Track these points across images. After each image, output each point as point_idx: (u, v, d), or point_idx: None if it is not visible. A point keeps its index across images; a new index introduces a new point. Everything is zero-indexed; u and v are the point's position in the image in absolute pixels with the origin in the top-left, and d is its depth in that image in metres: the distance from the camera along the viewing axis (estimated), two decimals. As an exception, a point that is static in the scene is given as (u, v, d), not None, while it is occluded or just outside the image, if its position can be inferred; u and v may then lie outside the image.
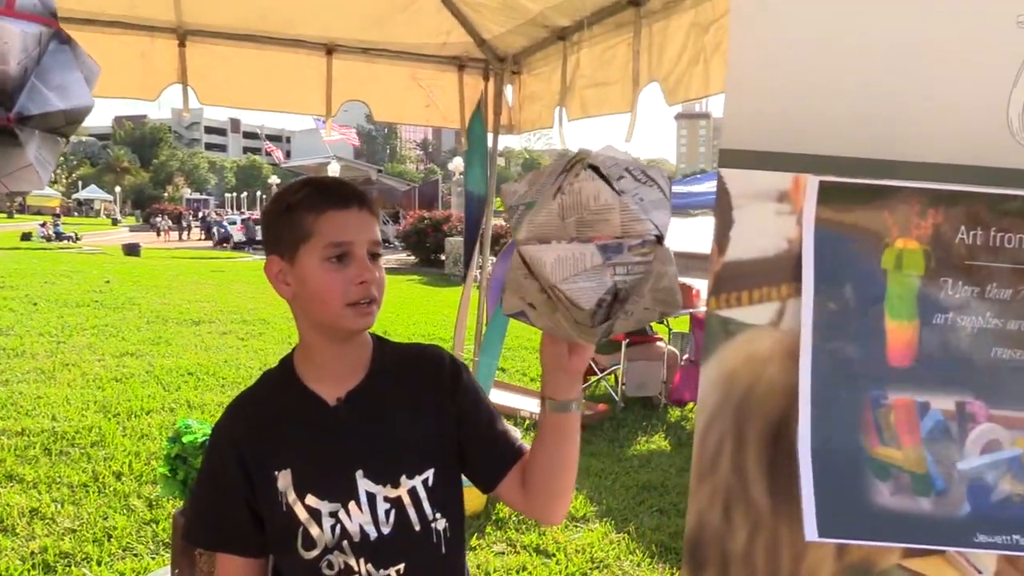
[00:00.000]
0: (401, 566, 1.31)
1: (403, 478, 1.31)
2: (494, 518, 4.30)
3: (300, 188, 1.33)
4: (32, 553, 3.73)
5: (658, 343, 7.21)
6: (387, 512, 1.30)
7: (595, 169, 0.99)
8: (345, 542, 1.29)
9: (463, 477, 1.42)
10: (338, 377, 1.35)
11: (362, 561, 1.29)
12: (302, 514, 1.30)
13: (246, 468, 1.33)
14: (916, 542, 1.23)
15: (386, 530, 1.30)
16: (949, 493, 1.23)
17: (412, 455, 1.34)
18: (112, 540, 3.91)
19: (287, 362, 1.40)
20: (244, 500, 1.33)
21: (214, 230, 39.96)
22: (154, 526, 4.07)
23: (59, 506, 4.29)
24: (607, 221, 0.99)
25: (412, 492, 1.32)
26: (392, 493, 1.31)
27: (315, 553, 1.30)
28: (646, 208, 1.00)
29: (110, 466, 4.92)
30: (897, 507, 1.22)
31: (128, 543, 3.89)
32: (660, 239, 1.01)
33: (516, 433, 1.41)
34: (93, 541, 3.89)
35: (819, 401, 1.22)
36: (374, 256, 1.30)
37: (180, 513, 2.56)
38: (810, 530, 1.21)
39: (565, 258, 1.00)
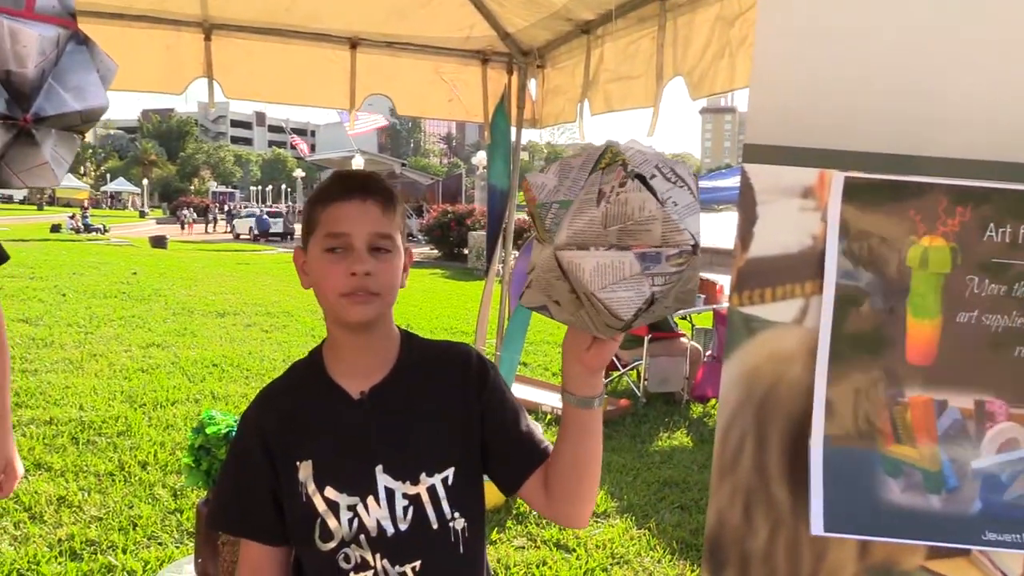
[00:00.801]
0: (417, 563, 1.30)
1: (423, 475, 1.31)
2: (514, 512, 4.31)
3: (325, 181, 1.35)
4: (59, 540, 3.79)
5: (681, 339, 7.18)
6: (405, 509, 1.30)
7: (641, 179, 0.98)
8: (362, 536, 1.29)
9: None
10: (363, 371, 1.34)
11: (378, 556, 1.29)
12: (320, 506, 1.30)
13: (271, 457, 1.34)
14: (922, 539, 1.23)
15: (403, 527, 1.29)
16: (961, 491, 1.22)
17: (433, 453, 1.33)
18: (137, 529, 3.96)
19: (316, 354, 1.40)
20: (268, 488, 1.34)
21: (234, 223, 40.36)
22: (178, 515, 4.12)
23: (86, 494, 4.35)
24: (649, 231, 0.98)
25: (431, 490, 1.31)
26: (411, 490, 1.30)
27: (332, 545, 1.30)
28: (681, 215, 0.99)
29: (136, 456, 4.98)
30: (906, 504, 1.22)
31: (153, 532, 3.94)
32: (696, 248, 1.00)
33: (541, 434, 1.39)
34: (119, 529, 3.94)
35: (834, 397, 1.22)
36: (377, 249, 1.27)
37: (204, 503, 2.59)
38: (816, 524, 1.22)
39: (604, 266, 0.98)
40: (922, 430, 1.22)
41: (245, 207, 53.97)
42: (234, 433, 2.50)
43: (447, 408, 1.35)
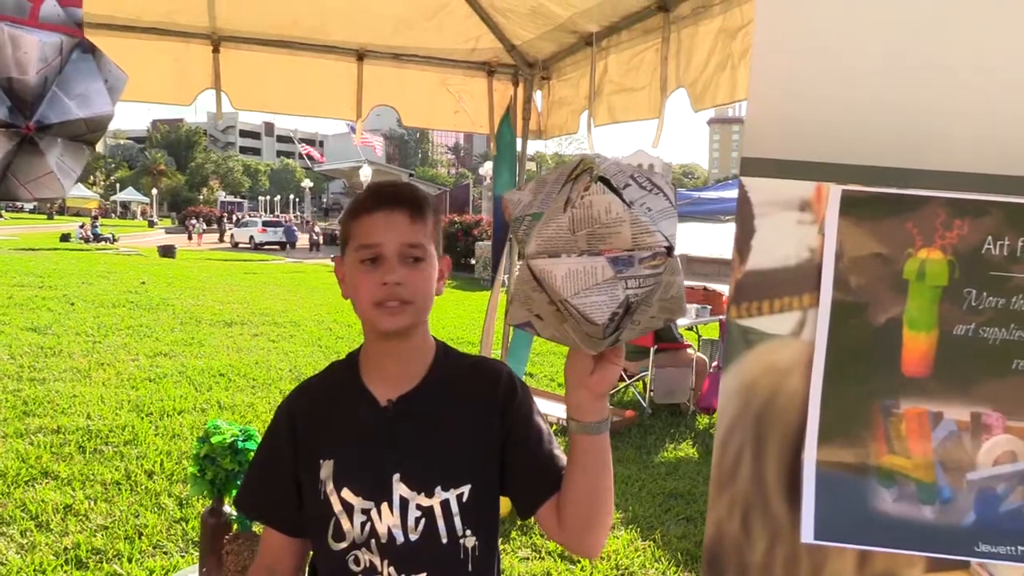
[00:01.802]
0: (424, 575, 1.31)
1: (438, 489, 1.31)
2: (519, 523, 4.30)
3: (360, 193, 1.38)
4: (65, 549, 3.80)
5: (687, 350, 7.17)
6: (417, 520, 1.31)
7: (605, 182, 0.98)
8: (373, 541, 1.31)
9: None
10: (393, 379, 1.36)
11: (386, 563, 1.30)
12: (336, 505, 1.32)
13: (296, 449, 1.36)
14: (915, 549, 1.23)
15: (413, 537, 1.30)
16: (955, 502, 1.22)
17: (451, 468, 1.33)
18: (143, 538, 3.97)
19: (353, 357, 1.43)
20: (292, 479, 1.36)
21: (233, 231, 40.57)
22: (184, 525, 4.13)
23: (92, 503, 4.37)
24: (618, 234, 0.97)
25: (444, 504, 1.31)
26: (425, 502, 1.31)
27: (343, 546, 1.32)
28: (654, 218, 0.99)
29: (142, 465, 5.00)
30: (898, 514, 1.23)
31: (158, 541, 3.95)
32: (670, 250, 0.99)
33: (564, 460, 1.36)
34: (124, 538, 3.95)
35: (828, 408, 1.23)
36: (408, 258, 1.29)
37: (209, 513, 2.60)
38: (806, 532, 1.23)
39: (576, 272, 0.98)
40: (917, 441, 1.22)
41: (251, 216, 54.32)
42: (241, 439, 2.52)
43: (471, 424, 1.35)
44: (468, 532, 1.33)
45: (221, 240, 42.38)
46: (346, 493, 1.31)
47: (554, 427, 6.10)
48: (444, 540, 1.31)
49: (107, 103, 1.81)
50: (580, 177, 1.01)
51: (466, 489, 1.32)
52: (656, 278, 0.99)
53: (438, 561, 1.31)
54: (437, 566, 1.31)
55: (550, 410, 6.33)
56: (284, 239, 38.47)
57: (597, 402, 1.19)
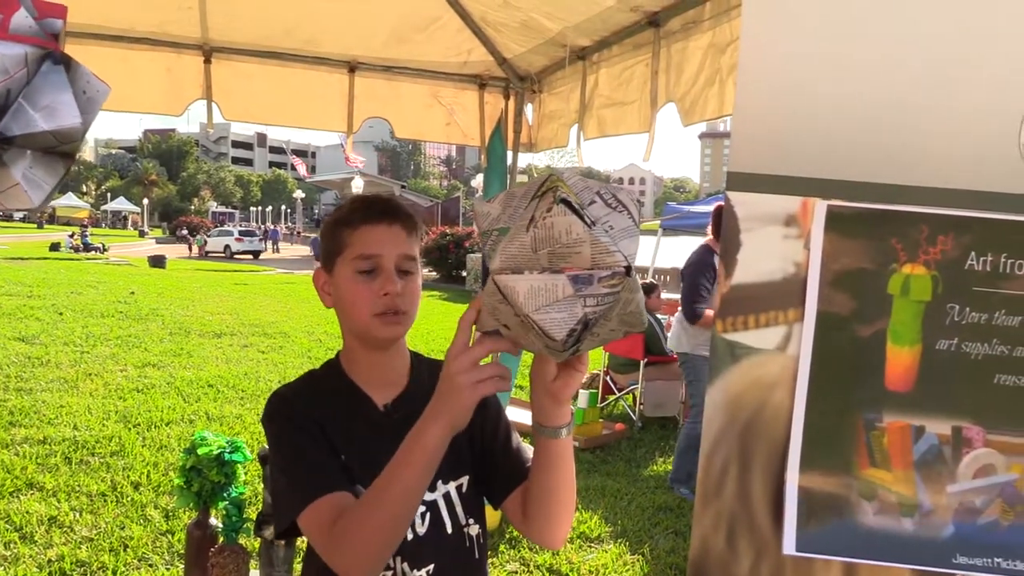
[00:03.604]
0: (431, 566, 1.35)
1: (439, 483, 1.37)
2: (507, 537, 4.29)
3: (347, 205, 1.40)
4: (49, 561, 3.77)
5: (677, 363, 7.17)
6: (423, 515, 1.36)
7: (567, 203, 1.02)
8: None
9: None
10: (382, 384, 1.40)
11: (398, 560, 1.34)
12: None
13: (325, 432, 1.34)
14: (894, 561, 1.24)
15: (422, 531, 1.35)
16: (934, 515, 1.24)
17: (448, 462, 1.34)
18: (128, 550, 3.94)
19: (333, 364, 1.45)
20: (331, 449, 1.33)
21: (207, 240, 41.16)
22: (170, 537, 4.10)
23: (77, 515, 4.34)
24: (579, 254, 1.01)
25: (446, 497, 1.38)
26: (428, 496, 1.36)
27: None
28: (616, 238, 1.03)
29: (129, 476, 4.97)
30: (878, 526, 1.24)
31: (144, 553, 3.92)
32: (629, 270, 1.03)
33: (529, 453, 1.43)
34: (109, 550, 3.93)
35: (812, 421, 1.24)
36: (406, 271, 1.34)
37: (195, 525, 2.58)
38: (788, 544, 1.25)
39: (537, 289, 1.02)
40: (898, 455, 1.23)
41: (242, 225, 54.37)
42: (227, 451, 2.50)
43: None
44: (471, 520, 1.40)
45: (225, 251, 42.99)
46: (359, 490, 1.32)
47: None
48: (449, 531, 1.38)
49: (75, 115, 1.78)
50: (546, 195, 1.04)
51: (464, 480, 1.40)
52: (614, 296, 1.03)
53: (446, 551, 1.37)
54: (443, 556, 1.37)
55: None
56: (261, 248, 40.10)
57: (559, 407, 1.22)
